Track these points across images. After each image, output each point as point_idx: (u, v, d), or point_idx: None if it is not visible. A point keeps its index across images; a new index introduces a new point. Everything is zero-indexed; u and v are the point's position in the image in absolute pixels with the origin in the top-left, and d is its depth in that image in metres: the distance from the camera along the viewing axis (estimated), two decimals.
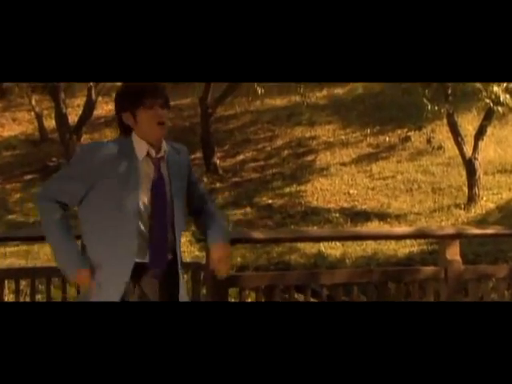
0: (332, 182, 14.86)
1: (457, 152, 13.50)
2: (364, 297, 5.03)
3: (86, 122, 16.80)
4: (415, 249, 11.34)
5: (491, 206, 13.00)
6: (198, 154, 15.53)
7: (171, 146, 3.31)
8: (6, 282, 4.92)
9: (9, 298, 5.18)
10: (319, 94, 18.15)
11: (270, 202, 14.42)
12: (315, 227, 12.67)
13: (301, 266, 11.00)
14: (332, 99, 18.20)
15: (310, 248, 11.61)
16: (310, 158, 16.06)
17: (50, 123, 17.88)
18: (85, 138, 16.86)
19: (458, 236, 5.08)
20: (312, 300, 4.87)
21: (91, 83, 16.06)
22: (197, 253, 10.82)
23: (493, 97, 11.82)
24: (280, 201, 14.39)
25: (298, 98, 16.69)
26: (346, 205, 13.88)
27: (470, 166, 13.06)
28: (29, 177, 16.61)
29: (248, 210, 14.18)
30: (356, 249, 11.58)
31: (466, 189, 13.32)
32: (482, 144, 13.33)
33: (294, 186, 14.93)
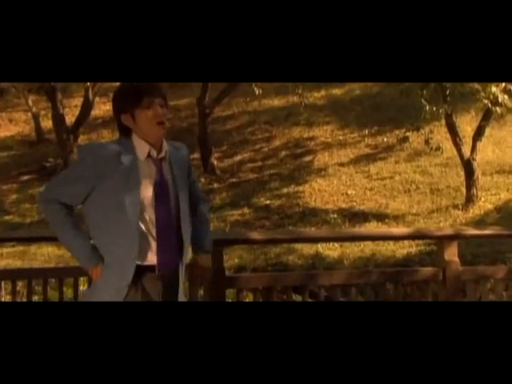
0: (330, 183, 14.85)
1: (455, 153, 13.50)
2: (362, 298, 5.02)
3: (83, 122, 16.79)
4: (413, 250, 11.33)
5: (489, 206, 12.99)
6: (196, 155, 15.51)
7: (171, 145, 3.30)
8: (2, 283, 4.89)
9: (5, 298, 5.16)
10: (317, 95, 18.15)
11: (267, 202, 14.40)
12: (313, 228, 12.66)
13: (298, 266, 10.98)
14: (330, 100, 18.20)
15: (307, 249, 11.60)
16: (307, 158, 16.05)
17: (47, 124, 17.89)
18: (82, 139, 16.85)
19: (456, 237, 5.08)
20: (310, 301, 4.86)
21: (88, 83, 16.05)
22: None
23: (491, 97, 11.82)
24: (278, 201, 14.38)
25: (295, 99, 16.69)
26: (343, 205, 13.87)
27: (468, 167, 13.05)
28: (25, 177, 16.60)
29: (245, 210, 14.16)
30: (354, 250, 11.56)
31: (464, 189, 13.31)
32: (480, 145, 13.34)
33: (292, 186, 14.92)
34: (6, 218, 14.71)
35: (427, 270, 5.12)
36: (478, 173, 13.12)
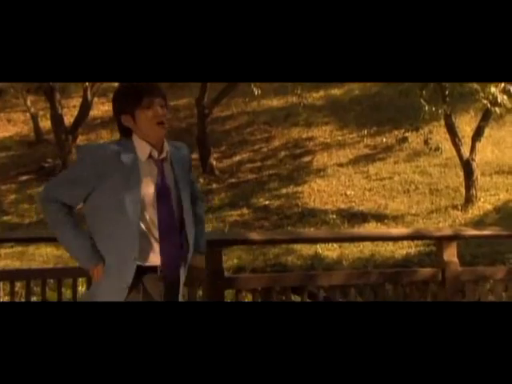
0: (329, 183, 14.85)
1: (454, 153, 13.49)
2: (361, 298, 5.01)
3: (82, 122, 16.77)
4: (412, 250, 11.33)
5: (488, 207, 12.99)
6: (195, 155, 15.49)
7: (172, 145, 3.30)
8: (0, 283, 4.90)
9: (4, 299, 5.16)
10: (316, 95, 18.14)
11: (266, 203, 14.40)
12: (312, 228, 12.66)
13: (297, 267, 10.98)
14: (329, 100, 18.19)
15: (306, 249, 11.59)
16: (306, 159, 16.05)
17: (46, 124, 17.87)
18: (80, 139, 16.83)
19: (455, 237, 5.08)
20: (308, 301, 4.86)
21: (87, 84, 16.05)
22: None
23: (490, 98, 11.82)
24: (277, 202, 14.37)
25: (294, 99, 16.69)
26: (343, 206, 13.86)
27: (467, 167, 13.05)
28: (24, 178, 16.58)
29: (244, 211, 14.15)
30: (353, 250, 11.56)
31: (463, 190, 13.31)
32: (479, 145, 13.34)
33: (291, 187, 14.91)
34: (5, 218, 14.69)
35: (426, 271, 5.12)
36: (477, 173, 13.12)
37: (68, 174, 3.38)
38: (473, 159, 13.08)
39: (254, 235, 6.07)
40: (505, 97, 11.80)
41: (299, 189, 14.79)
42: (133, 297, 3.13)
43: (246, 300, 5.02)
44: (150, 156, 3.16)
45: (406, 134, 14.11)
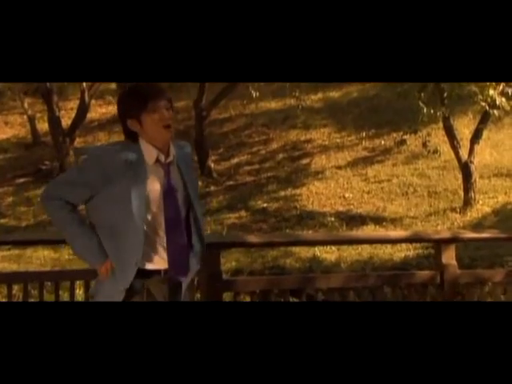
0: (327, 186, 14.84)
1: (452, 155, 13.49)
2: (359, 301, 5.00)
3: (80, 125, 16.75)
4: (411, 253, 11.32)
5: (487, 209, 12.98)
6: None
7: (175, 145, 3.27)
8: None
9: None
10: (314, 97, 18.14)
11: (264, 205, 14.38)
12: (310, 231, 12.64)
13: (296, 270, 10.97)
14: (327, 102, 18.19)
15: (305, 252, 11.58)
16: (305, 161, 16.04)
17: (43, 126, 17.86)
18: (78, 142, 16.83)
19: (453, 240, 5.08)
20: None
21: (84, 86, 16.03)
22: None
23: (489, 100, 11.82)
24: (275, 204, 14.36)
25: (292, 101, 16.69)
26: (341, 208, 13.85)
27: (465, 170, 13.04)
28: (21, 180, 16.57)
29: (243, 213, 14.14)
30: (351, 253, 11.55)
31: (461, 192, 13.31)
32: (477, 147, 13.33)
33: (289, 189, 14.90)
34: (2, 221, 14.68)
35: (425, 274, 5.12)
36: (475, 176, 13.11)
37: (73, 175, 3.35)
38: (471, 162, 13.07)
39: (252, 238, 6.06)
40: (503, 99, 11.81)
41: (297, 191, 14.78)
42: (136, 299, 3.14)
43: None
44: (157, 160, 3.16)
45: (405, 137, 14.10)
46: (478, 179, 13.27)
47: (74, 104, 18.30)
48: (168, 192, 3.16)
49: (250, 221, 13.79)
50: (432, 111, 12.50)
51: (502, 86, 11.75)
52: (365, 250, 11.53)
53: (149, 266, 3.15)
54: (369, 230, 12.50)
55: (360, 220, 13.17)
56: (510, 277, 5.19)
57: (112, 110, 18.45)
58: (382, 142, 16.00)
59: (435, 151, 13.60)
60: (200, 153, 15.70)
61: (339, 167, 15.51)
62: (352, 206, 13.89)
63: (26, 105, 18.19)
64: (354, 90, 18.35)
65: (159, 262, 3.17)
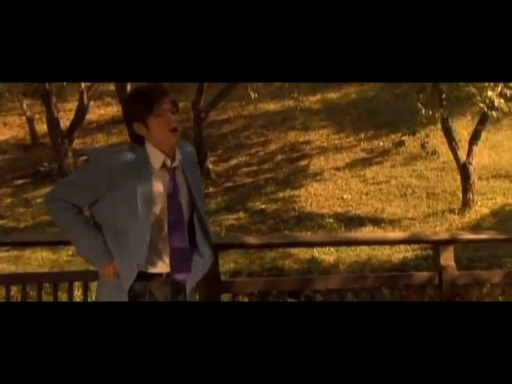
0: (326, 187, 14.84)
1: (451, 157, 13.49)
2: None
3: (78, 126, 16.75)
4: (409, 254, 11.31)
5: (485, 211, 12.98)
6: None
7: (180, 147, 3.27)
8: None
9: None
10: (313, 99, 18.14)
11: (263, 206, 14.38)
12: (309, 232, 12.64)
13: (294, 271, 10.96)
14: (326, 104, 18.19)
15: (303, 253, 11.57)
16: (303, 162, 16.04)
17: (42, 128, 17.86)
18: (76, 143, 16.83)
19: (452, 241, 5.08)
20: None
21: (83, 87, 16.03)
22: None
23: (487, 101, 11.82)
24: (273, 206, 14.36)
25: (291, 103, 16.69)
26: (339, 210, 13.85)
27: (464, 171, 13.05)
28: (20, 182, 16.56)
29: (241, 214, 14.14)
30: (350, 254, 11.54)
31: (460, 194, 13.31)
32: (476, 149, 13.33)
33: (288, 190, 14.90)
34: (0, 222, 14.67)
35: (423, 275, 5.12)
36: (474, 177, 13.11)
37: (78, 177, 3.34)
38: (470, 163, 13.08)
39: (251, 239, 6.06)
40: (502, 101, 11.81)
41: (296, 193, 14.77)
42: (141, 299, 3.14)
43: None
44: (164, 165, 3.16)
45: (403, 138, 14.11)
46: (476, 180, 13.28)
47: (72, 105, 18.29)
48: (172, 196, 3.16)
49: (249, 222, 13.79)
50: (430, 112, 12.50)
51: (500, 87, 11.76)
52: (363, 252, 11.53)
53: (151, 270, 3.15)
54: (367, 232, 12.50)
55: (358, 221, 13.16)
56: (508, 278, 5.20)
57: (110, 111, 18.47)
58: (381, 144, 16.01)
59: (433, 152, 13.61)
60: (198, 154, 15.58)
61: (338, 168, 15.52)
62: (350, 208, 13.89)
63: (24, 106, 18.20)
64: (352, 91, 18.37)
65: (162, 265, 3.18)
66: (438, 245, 4.98)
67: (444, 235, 6.14)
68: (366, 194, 14.32)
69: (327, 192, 14.65)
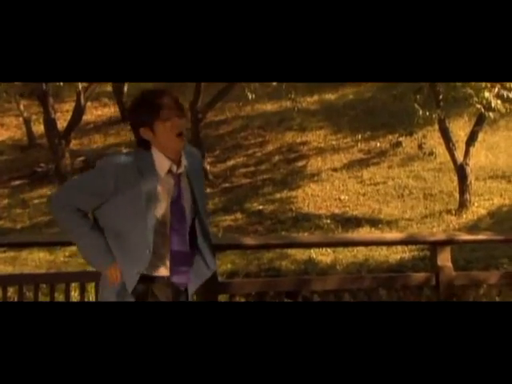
0: (323, 188, 14.84)
1: (448, 158, 13.50)
2: None
3: (75, 127, 16.72)
4: (406, 255, 11.32)
5: (482, 211, 12.99)
6: None
7: (186, 152, 3.26)
8: None
9: None
10: (310, 100, 18.14)
11: (260, 207, 14.38)
12: (306, 233, 12.64)
13: (291, 272, 10.96)
14: (323, 104, 18.19)
15: (300, 254, 11.57)
16: (300, 163, 16.04)
17: (39, 128, 17.83)
18: (74, 144, 16.81)
19: (449, 242, 5.07)
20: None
21: (80, 88, 16.01)
22: None
23: (484, 102, 11.83)
24: (271, 207, 14.36)
25: (288, 104, 16.68)
26: (336, 211, 13.85)
27: (461, 172, 13.05)
28: (17, 182, 16.54)
29: (238, 215, 14.14)
30: (347, 255, 11.54)
31: (457, 195, 13.31)
32: (473, 150, 13.34)
33: (285, 191, 14.90)
34: None
35: (420, 276, 5.11)
36: (471, 178, 13.12)
37: (84, 182, 3.32)
38: (467, 164, 13.08)
39: (248, 240, 6.06)
40: (498, 101, 11.82)
41: (293, 193, 14.77)
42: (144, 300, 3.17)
43: None
44: (169, 171, 3.16)
45: (400, 139, 14.12)
46: (473, 181, 13.28)
47: (69, 106, 18.27)
48: (176, 201, 3.17)
49: (246, 223, 13.78)
50: (428, 113, 12.51)
51: (497, 88, 11.76)
52: (360, 252, 11.53)
53: (154, 273, 3.17)
54: (364, 232, 12.50)
55: (355, 222, 13.17)
56: (505, 279, 5.19)
57: (107, 112, 18.46)
58: (378, 144, 16.01)
59: (431, 153, 13.62)
60: None
61: (335, 169, 15.52)
62: (347, 208, 13.89)
63: (21, 107, 18.18)
64: (349, 92, 18.37)
65: (164, 269, 3.20)
66: (435, 245, 4.98)
67: (441, 236, 6.14)
68: (363, 195, 14.32)
69: (324, 193, 14.65)
